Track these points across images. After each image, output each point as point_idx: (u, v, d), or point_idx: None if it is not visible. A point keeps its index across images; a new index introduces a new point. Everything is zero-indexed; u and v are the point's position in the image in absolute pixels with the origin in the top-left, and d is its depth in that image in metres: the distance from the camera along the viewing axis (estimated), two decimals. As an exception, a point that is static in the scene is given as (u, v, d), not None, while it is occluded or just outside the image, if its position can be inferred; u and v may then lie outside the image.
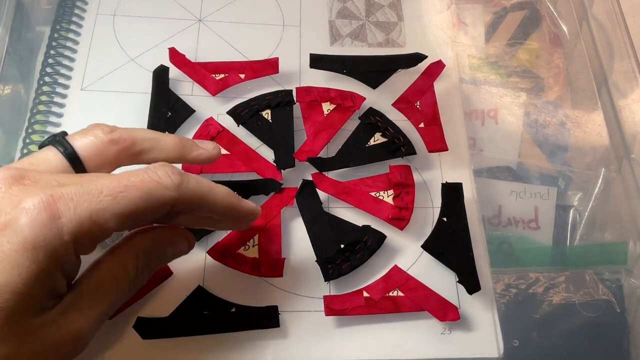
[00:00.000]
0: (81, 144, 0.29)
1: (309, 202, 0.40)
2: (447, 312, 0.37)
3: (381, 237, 0.39)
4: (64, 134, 0.30)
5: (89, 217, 0.25)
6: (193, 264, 0.38)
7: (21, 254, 0.23)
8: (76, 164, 0.29)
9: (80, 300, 0.27)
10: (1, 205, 0.24)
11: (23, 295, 0.24)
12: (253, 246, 0.38)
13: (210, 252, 0.37)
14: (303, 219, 0.39)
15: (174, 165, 0.29)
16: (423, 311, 0.37)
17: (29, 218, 0.24)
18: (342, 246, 0.38)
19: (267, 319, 0.36)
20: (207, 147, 0.35)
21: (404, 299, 0.37)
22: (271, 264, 0.37)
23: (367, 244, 0.38)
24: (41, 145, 0.30)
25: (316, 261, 0.38)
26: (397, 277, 0.38)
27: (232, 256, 0.37)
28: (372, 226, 0.39)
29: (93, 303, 0.27)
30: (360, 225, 0.39)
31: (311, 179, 0.41)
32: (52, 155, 0.29)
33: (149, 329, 0.35)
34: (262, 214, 0.38)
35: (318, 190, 0.41)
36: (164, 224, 0.31)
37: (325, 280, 0.37)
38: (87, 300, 0.27)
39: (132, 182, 0.26)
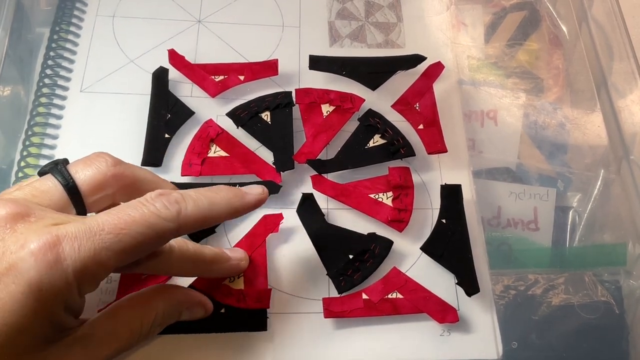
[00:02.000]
0: (82, 177, 0.29)
1: (310, 215, 0.39)
2: (446, 314, 0.37)
3: (389, 244, 0.39)
4: (66, 162, 0.30)
5: (93, 257, 0.25)
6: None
7: (27, 295, 0.24)
8: (75, 197, 0.29)
9: (90, 341, 0.27)
10: (7, 244, 0.24)
11: (29, 333, 0.24)
12: (238, 277, 0.37)
13: (195, 284, 0.36)
14: (307, 232, 0.39)
15: (171, 191, 0.29)
16: (422, 313, 0.37)
17: (35, 260, 0.24)
18: (350, 257, 0.38)
19: (255, 321, 0.36)
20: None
21: (403, 301, 0.37)
22: (257, 295, 0.36)
23: (375, 252, 0.38)
24: (42, 172, 0.29)
25: (327, 274, 0.38)
26: (396, 279, 0.38)
27: (218, 288, 0.36)
28: (372, 229, 0.39)
29: (102, 346, 0.28)
30: (362, 231, 0.39)
31: (310, 182, 0.41)
32: (53, 187, 0.28)
33: None
34: (247, 244, 0.38)
35: (317, 194, 0.41)
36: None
37: (339, 293, 0.37)
38: (97, 343, 0.27)
39: (132, 217, 0.26)
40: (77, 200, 0.29)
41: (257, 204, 0.33)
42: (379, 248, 0.38)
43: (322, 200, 0.41)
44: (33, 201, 0.27)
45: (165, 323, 0.32)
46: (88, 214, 0.30)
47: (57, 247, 0.24)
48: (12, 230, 0.25)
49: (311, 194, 0.40)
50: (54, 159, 0.30)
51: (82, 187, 0.29)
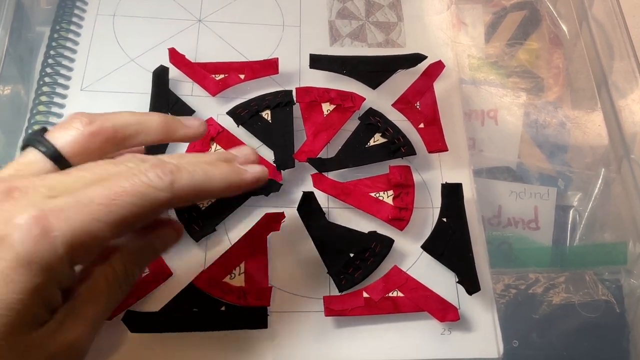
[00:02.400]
0: (63, 142, 0.28)
1: (311, 213, 0.39)
2: (446, 313, 0.37)
3: (389, 242, 0.39)
4: (44, 130, 0.29)
5: (82, 228, 0.24)
6: (193, 265, 0.38)
7: (15, 270, 0.23)
8: (60, 162, 0.28)
9: (74, 309, 0.26)
10: None
11: (19, 311, 0.23)
12: (239, 274, 0.37)
13: (195, 282, 0.36)
14: (308, 231, 0.39)
15: (164, 158, 0.28)
16: (422, 312, 0.37)
17: (21, 234, 0.23)
18: (351, 255, 0.38)
19: (255, 319, 0.36)
20: (193, 125, 0.33)
21: (404, 300, 0.37)
22: (258, 292, 0.36)
23: (376, 250, 0.38)
24: (23, 146, 0.29)
25: (327, 273, 0.38)
26: (397, 277, 0.38)
27: (218, 285, 0.36)
28: (372, 227, 0.39)
29: (87, 309, 0.27)
30: (363, 229, 0.39)
31: (311, 180, 0.41)
32: (35, 157, 0.28)
33: (138, 322, 0.35)
34: (248, 242, 0.38)
35: (318, 193, 0.41)
36: None
37: (340, 291, 0.37)
38: (81, 307, 0.27)
39: (123, 187, 0.26)
40: (63, 165, 0.28)
41: (255, 184, 0.31)
42: (379, 246, 0.38)
43: (323, 199, 0.41)
44: (17, 175, 0.27)
45: (142, 261, 0.30)
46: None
47: (44, 220, 0.24)
48: None
49: (312, 193, 0.40)
50: (34, 131, 0.29)
51: (64, 151, 0.28)
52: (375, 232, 0.39)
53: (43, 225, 0.24)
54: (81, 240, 0.24)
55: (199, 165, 0.29)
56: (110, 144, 0.30)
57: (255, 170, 0.32)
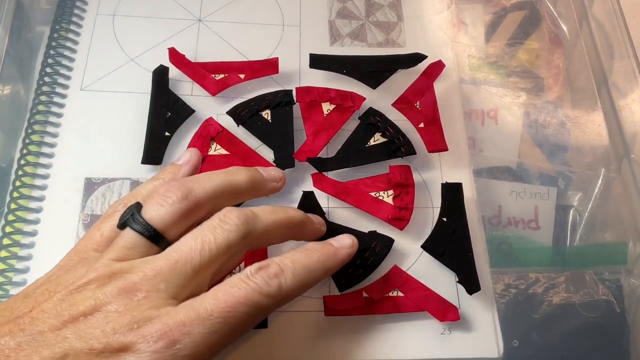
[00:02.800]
0: (159, 220, 0.29)
1: (311, 212, 0.39)
2: (446, 313, 0.37)
3: (389, 242, 0.39)
4: (139, 207, 0.30)
5: (203, 342, 0.26)
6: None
7: None
8: (159, 241, 0.29)
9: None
10: (116, 323, 0.25)
11: None
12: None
13: None
14: None
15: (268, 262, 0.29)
16: (422, 312, 0.37)
17: (147, 346, 0.25)
18: None
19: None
20: (278, 178, 0.36)
21: (404, 299, 0.37)
22: None
23: (376, 249, 0.38)
24: (121, 225, 0.30)
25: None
26: (397, 277, 0.38)
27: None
28: (372, 227, 0.39)
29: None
30: (363, 229, 0.39)
31: (311, 180, 0.41)
32: (136, 241, 0.29)
33: None
34: None
35: (318, 193, 0.41)
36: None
37: (339, 291, 0.37)
38: None
39: (237, 298, 0.27)
40: (162, 243, 0.29)
41: (349, 259, 0.34)
42: (379, 246, 0.38)
43: (323, 199, 0.41)
44: (127, 264, 0.28)
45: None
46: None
47: (168, 334, 0.25)
48: (120, 307, 0.26)
49: (312, 192, 0.40)
50: (129, 206, 0.30)
51: (160, 229, 0.29)
52: (375, 231, 0.39)
53: (168, 339, 0.25)
54: (200, 352, 0.26)
55: (298, 259, 0.30)
56: (204, 212, 0.31)
57: (346, 245, 0.34)
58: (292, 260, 0.30)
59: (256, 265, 0.29)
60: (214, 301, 0.27)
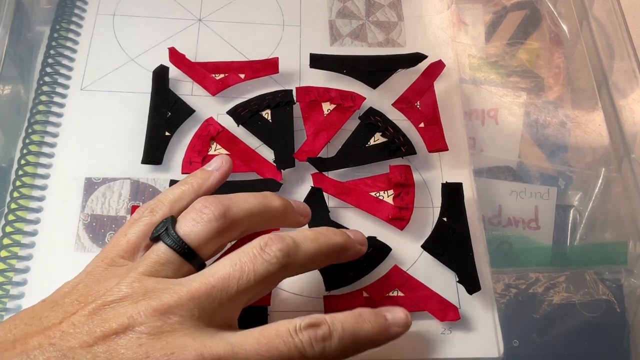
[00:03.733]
0: (193, 237, 0.29)
1: (315, 209, 0.39)
2: (447, 312, 0.37)
3: (386, 250, 0.39)
4: (173, 222, 0.29)
5: None
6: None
7: None
8: (192, 258, 0.29)
9: None
10: (149, 346, 0.25)
11: None
12: None
13: None
14: (308, 226, 0.39)
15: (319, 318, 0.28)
16: (423, 312, 0.37)
17: None
18: None
19: (255, 319, 0.36)
20: (306, 214, 0.35)
21: (404, 299, 0.37)
22: None
23: (372, 254, 0.38)
24: (154, 238, 0.29)
25: (319, 270, 0.38)
26: (397, 277, 0.38)
27: None
28: (373, 227, 0.39)
29: None
30: (363, 229, 0.39)
31: (311, 180, 0.41)
32: (169, 257, 0.28)
33: None
34: (248, 241, 0.38)
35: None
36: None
37: (326, 290, 0.37)
38: None
39: (280, 351, 0.26)
40: (191, 258, 0.29)
41: (400, 336, 0.31)
42: (376, 252, 0.38)
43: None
44: (159, 280, 0.27)
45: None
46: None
47: None
48: (153, 331, 0.25)
49: (320, 189, 0.40)
50: (164, 220, 0.30)
51: (195, 246, 0.29)
52: (374, 237, 0.39)
53: None
54: None
55: (348, 325, 0.29)
56: (238, 232, 0.30)
57: (399, 323, 0.31)
58: (343, 325, 0.29)
59: (307, 320, 0.28)
60: (256, 346, 0.26)
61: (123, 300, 0.26)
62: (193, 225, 0.29)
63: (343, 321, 0.29)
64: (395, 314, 0.31)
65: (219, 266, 0.28)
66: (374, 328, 0.30)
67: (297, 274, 0.31)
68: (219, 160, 0.34)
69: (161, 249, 0.28)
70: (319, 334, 0.27)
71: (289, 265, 0.29)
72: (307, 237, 0.30)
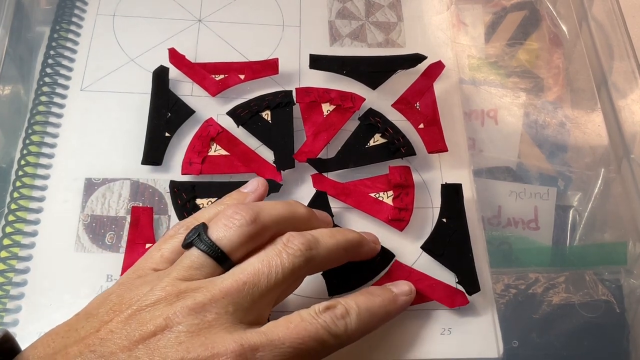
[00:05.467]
0: (226, 242, 0.29)
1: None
2: (455, 299, 0.37)
3: (389, 257, 0.38)
4: (205, 227, 0.30)
5: None
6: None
7: None
8: (225, 262, 0.29)
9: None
10: (189, 343, 0.26)
11: None
12: None
13: None
14: None
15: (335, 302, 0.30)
16: (426, 306, 0.37)
17: None
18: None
19: None
20: (325, 220, 0.37)
21: (410, 292, 0.37)
22: None
23: (376, 261, 0.38)
24: (186, 244, 0.30)
25: (322, 274, 0.38)
26: (400, 271, 0.38)
27: None
28: (372, 227, 0.39)
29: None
30: (363, 229, 0.39)
31: (311, 181, 0.41)
32: (203, 262, 0.29)
33: None
34: None
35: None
36: None
37: (329, 295, 0.37)
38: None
39: (308, 331, 0.28)
40: (224, 262, 0.29)
41: (407, 307, 0.35)
42: (379, 258, 0.38)
43: (323, 199, 0.41)
44: (193, 281, 0.28)
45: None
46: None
47: (243, 356, 0.26)
48: (192, 328, 0.26)
49: (324, 192, 0.40)
50: (195, 227, 0.30)
51: (227, 250, 0.29)
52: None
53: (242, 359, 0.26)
54: None
55: (362, 301, 0.31)
56: (267, 238, 0.31)
57: (404, 292, 0.35)
58: (357, 302, 0.31)
59: (324, 304, 0.29)
60: (286, 330, 0.27)
61: (158, 303, 0.27)
62: (225, 231, 0.30)
63: (355, 299, 0.31)
64: (399, 285, 0.35)
65: (248, 264, 0.29)
66: (384, 300, 0.33)
67: (321, 270, 0.34)
68: (255, 182, 0.36)
69: (194, 254, 0.29)
70: (338, 312, 0.29)
71: (312, 258, 0.30)
72: (325, 233, 0.32)
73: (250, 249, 0.30)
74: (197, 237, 0.29)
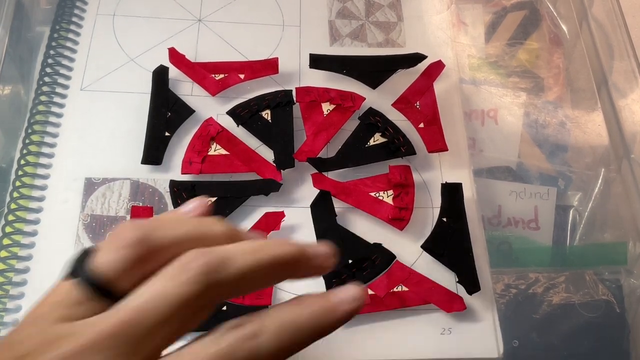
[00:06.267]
0: (107, 268, 0.24)
1: (323, 213, 0.39)
2: (452, 303, 0.37)
3: (390, 258, 0.39)
4: (91, 251, 0.25)
5: None
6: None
7: None
8: (108, 295, 0.24)
9: None
10: None
11: None
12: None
13: None
14: (315, 229, 0.39)
15: (250, 321, 0.24)
16: (426, 306, 0.37)
17: None
18: (350, 261, 0.38)
19: None
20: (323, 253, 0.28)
21: (409, 294, 0.37)
22: (258, 292, 0.36)
23: (375, 262, 0.38)
24: (70, 274, 0.25)
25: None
26: (400, 272, 0.38)
27: None
28: (372, 227, 0.39)
29: None
30: (363, 229, 0.39)
31: (311, 180, 0.41)
32: (83, 295, 0.24)
33: None
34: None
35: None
36: None
37: None
38: None
39: None
40: (106, 294, 0.24)
41: (351, 317, 0.26)
42: (379, 260, 0.38)
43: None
44: (72, 323, 0.24)
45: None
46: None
47: None
48: None
49: (328, 192, 0.40)
50: (80, 251, 0.25)
51: (108, 279, 0.24)
52: (380, 245, 0.39)
53: None
54: None
55: (286, 315, 0.25)
56: (163, 260, 0.25)
57: (348, 299, 0.26)
58: (275, 317, 0.24)
59: (232, 322, 0.24)
60: None
61: (27, 357, 0.22)
62: (108, 254, 0.24)
63: (275, 313, 0.25)
64: (343, 291, 0.26)
65: (133, 296, 0.24)
66: (316, 312, 0.25)
67: (236, 295, 0.26)
68: (196, 202, 0.29)
69: (73, 287, 0.24)
70: (246, 332, 0.24)
71: (216, 284, 0.24)
72: (243, 249, 0.25)
73: (143, 275, 0.25)
74: (79, 265, 0.25)
